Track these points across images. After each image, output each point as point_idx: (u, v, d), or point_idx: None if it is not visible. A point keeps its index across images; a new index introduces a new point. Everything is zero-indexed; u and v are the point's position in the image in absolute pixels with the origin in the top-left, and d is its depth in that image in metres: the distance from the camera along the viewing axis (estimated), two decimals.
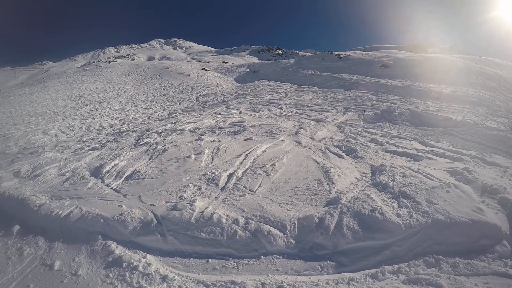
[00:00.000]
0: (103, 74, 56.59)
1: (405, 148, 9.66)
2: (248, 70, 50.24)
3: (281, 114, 17.73)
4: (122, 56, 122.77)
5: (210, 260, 5.36)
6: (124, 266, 5.26)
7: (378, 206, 5.68)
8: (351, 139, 11.09)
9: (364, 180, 7.35)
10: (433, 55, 42.89)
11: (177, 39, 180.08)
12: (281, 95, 25.95)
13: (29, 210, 7.41)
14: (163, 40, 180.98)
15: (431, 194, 5.96)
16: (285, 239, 5.40)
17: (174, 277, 4.92)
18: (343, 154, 9.38)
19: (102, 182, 8.75)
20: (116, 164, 9.90)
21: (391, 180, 6.76)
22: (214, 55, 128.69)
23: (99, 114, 25.21)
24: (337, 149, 9.95)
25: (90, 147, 13.33)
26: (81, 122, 22.00)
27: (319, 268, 4.88)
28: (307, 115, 16.76)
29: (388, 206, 5.77)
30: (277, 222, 5.71)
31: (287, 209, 6.08)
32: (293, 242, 5.37)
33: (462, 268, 4.50)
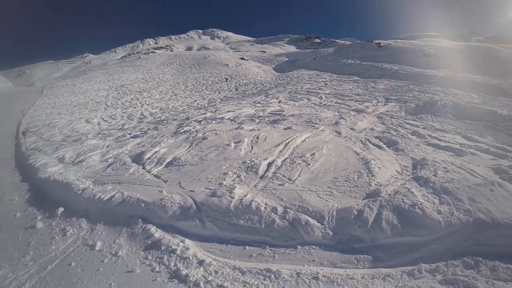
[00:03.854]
0: (142, 65, 58.02)
1: (448, 142, 9.37)
2: (286, 59, 49.90)
3: (320, 103, 17.62)
4: (161, 47, 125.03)
5: (247, 247, 5.43)
6: (162, 249, 5.42)
7: (418, 201, 5.55)
8: (392, 130, 10.87)
9: (405, 173, 7.20)
10: (477, 44, 40.86)
11: (214, 29, 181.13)
12: (320, 85, 25.72)
13: (73, 193, 7.77)
14: (200, 31, 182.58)
15: (474, 191, 5.73)
16: (322, 230, 5.39)
17: (211, 262, 5.01)
18: (384, 146, 9.23)
19: (143, 168, 9.04)
20: (157, 151, 10.18)
21: (433, 175, 6.58)
22: (252, 45, 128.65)
23: (140, 103, 25.91)
24: (378, 140, 9.79)
25: (132, 135, 13.77)
26: (123, 111, 22.70)
27: (355, 262, 4.83)
28: (347, 105, 16.56)
29: (429, 202, 5.62)
30: (316, 212, 5.70)
31: (326, 200, 6.06)
32: (331, 233, 5.34)
33: (501, 273, 4.30)
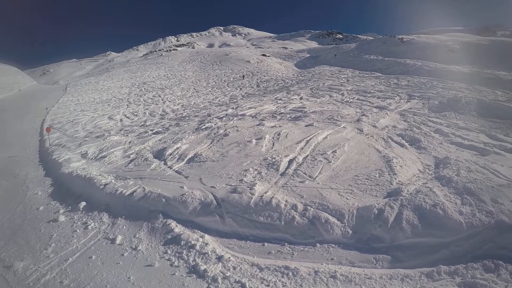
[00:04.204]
0: (164, 62, 58.59)
1: (472, 140, 9.17)
2: (308, 55, 49.56)
3: (342, 100, 17.47)
4: (182, 45, 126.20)
5: (266, 244, 5.47)
6: (182, 244, 5.52)
7: (440, 201, 5.46)
8: (414, 128, 10.70)
9: (427, 172, 7.10)
10: (502, 38, 39.53)
11: (235, 26, 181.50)
12: (342, 81, 25.50)
13: (95, 188, 7.97)
14: (222, 28, 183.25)
15: (497, 192, 5.59)
16: (342, 229, 5.37)
17: (229, 258, 5.07)
18: (406, 144, 9.10)
19: (165, 164, 9.18)
20: (178, 147, 10.30)
21: (456, 175, 6.45)
22: (273, 41, 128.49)
23: (162, 100, 26.18)
24: (400, 138, 9.66)
25: (154, 131, 13.97)
26: (145, 108, 23.00)
27: (374, 261, 4.80)
28: (369, 101, 16.36)
29: (451, 202, 5.51)
30: (336, 210, 5.68)
31: (347, 198, 6.04)
32: (350, 232, 5.33)
33: None
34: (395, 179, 6.62)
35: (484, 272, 4.30)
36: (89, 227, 6.45)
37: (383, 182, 6.55)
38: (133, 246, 5.63)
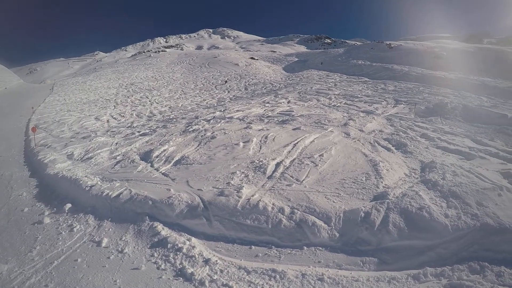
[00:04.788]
0: (153, 63, 58.33)
1: (457, 145, 9.30)
2: (296, 59, 49.88)
3: (330, 104, 17.60)
4: (171, 46, 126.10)
5: (253, 247, 5.45)
6: (169, 247, 5.46)
7: (426, 204, 5.52)
8: (401, 132, 10.82)
9: (413, 176, 7.17)
10: (489, 46, 40.39)
11: (225, 28, 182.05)
12: (330, 85, 25.70)
13: (81, 190, 7.85)
14: (211, 30, 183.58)
15: (482, 196, 5.68)
16: (329, 232, 5.38)
17: (216, 261, 5.04)
18: (393, 148, 9.19)
19: (152, 166, 9.10)
20: (165, 150, 10.24)
21: (441, 178, 6.53)
22: (262, 44, 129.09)
23: (149, 101, 26.06)
24: (387, 142, 9.75)
25: (141, 133, 13.86)
26: (132, 109, 22.85)
27: (361, 264, 4.82)
28: (357, 106, 16.52)
29: (437, 205, 5.58)
30: (323, 213, 5.69)
31: (333, 201, 6.05)
32: (337, 235, 5.34)
33: (507, 278, 4.26)
34: (382, 182, 6.67)
35: (470, 274, 4.36)
36: (75, 229, 6.34)
37: (370, 186, 6.58)
38: (119, 249, 5.55)
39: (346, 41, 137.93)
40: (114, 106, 25.11)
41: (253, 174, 7.62)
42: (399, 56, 34.57)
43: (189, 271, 4.75)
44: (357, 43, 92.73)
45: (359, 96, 19.82)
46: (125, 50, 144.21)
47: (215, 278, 4.62)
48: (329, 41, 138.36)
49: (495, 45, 48.22)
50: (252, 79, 34.70)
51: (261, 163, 8.14)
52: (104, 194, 7.33)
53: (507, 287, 4.13)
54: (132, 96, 29.81)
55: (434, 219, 5.13)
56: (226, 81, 34.91)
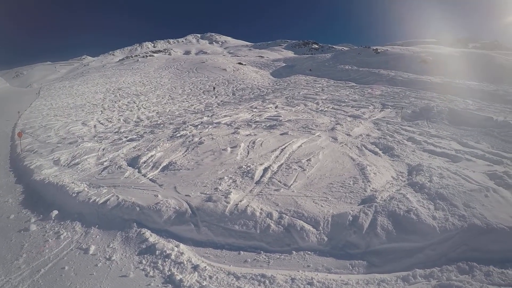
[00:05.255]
0: (140, 68, 58.08)
1: (444, 148, 9.39)
2: (284, 64, 50.10)
3: (317, 109, 17.69)
4: (159, 51, 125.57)
5: (242, 252, 5.42)
6: (157, 253, 5.41)
7: (413, 207, 5.57)
8: (388, 136, 10.89)
9: (401, 179, 7.22)
10: (473, 50, 41.18)
11: (213, 33, 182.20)
12: (317, 90, 25.84)
13: (68, 196, 7.74)
14: (199, 35, 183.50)
15: (469, 197, 5.75)
16: (317, 236, 5.39)
17: (205, 267, 5.00)
18: (380, 152, 9.25)
19: (139, 172, 9.02)
20: (152, 155, 10.16)
21: (428, 181, 6.60)
22: (250, 50, 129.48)
23: (137, 106, 25.91)
24: (374, 146, 9.81)
25: (128, 138, 13.75)
26: (119, 114, 22.68)
27: (350, 267, 4.83)
28: (344, 110, 16.63)
29: (424, 207, 5.63)
30: (311, 218, 5.70)
31: (322, 206, 6.06)
32: (326, 239, 5.34)
33: (495, 278, 4.31)
34: (369, 186, 6.70)
35: (459, 274, 4.41)
36: (62, 236, 6.24)
37: (358, 190, 6.61)
38: (107, 256, 5.48)
39: (334, 46, 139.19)
40: (101, 111, 24.90)
41: (241, 179, 7.60)
42: (385, 61, 34.97)
43: (178, 277, 4.71)
44: (344, 48, 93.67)
45: (346, 100, 19.97)
46: (113, 55, 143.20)
47: (204, 284, 4.58)
48: (316, 46, 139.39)
49: (480, 49, 49.20)
50: (240, 84, 34.77)
51: (249, 168, 8.13)
52: (91, 200, 7.24)
53: (496, 286, 4.18)
54: (119, 101, 29.59)
55: (422, 221, 5.17)
56: (214, 88, 34.72)
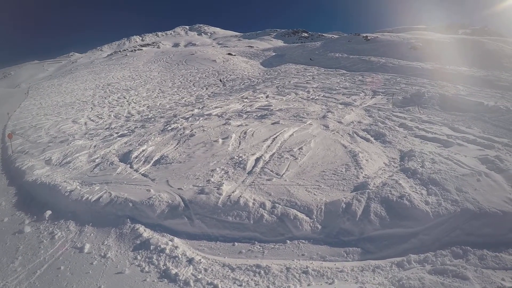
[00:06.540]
0: (129, 63, 57.49)
1: (435, 133, 9.41)
2: (274, 53, 49.85)
3: (308, 97, 17.63)
4: (148, 44, 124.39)
5: (236, 243, 5.43)
6: (151, 248, 5.40)
7: (406, 192, 5.59)
8: (379, 123, 10.90)
9: (393, 165, 7.24)
10: (464, 36, 41.29)
11: (201, 25, 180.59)
12: (308, 79, 25.72)
13: (60, 195, 7.68)
14: (187, 27, 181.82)
15: (461, 182, 5.77)
16: (311, 224, 5.40)
17: (200, 260, 5.00)
18: (371, 139, 9.26)
19: (131, 167, 8.96)
20: (144, 150, 10.11)
21: (420, 166, 6.62)
22: (239, 40, 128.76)
23: (127, 101, 25.69)
24: (365, 133, 9.83)
25: (119, 134, 13.66)
26: (110, 110, 22.48)
27: (345, 255, 4.86)
28: (335, 98, 16.59)
29: (417, 193, 5.65)
30: (304, 206, 5.70)
31: (314, 194, 6.07)
32: (319, 227, 5.36)
33: (489, 261, 4.34)
34: (362, 173, 6.72)
35: (453, 258, 4.44)
36: (56, 236, 6.21)
37: (350, 177, 6.62)
38: (102, 254, 5.46)
39: (323, 34, 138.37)
40: (91, 108, 24.66)
41: (233, 170, 7.59)
42: (376, 48, 34.87)
43: (173, 271, 4.72)
44: (334, 36, 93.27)
45: (337, 88, 19.91)
46: (101, 50, 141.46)
47: (199, 277, 4.59)
48: (306, 35, 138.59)
49: (470, 36, 49.32)
50: (230, 75, 34.53)
51: (240, 159, 8.11)
52: (84, 198, 7.19)
53: (491, 269, 4.20)
54: (109, 96, 29.30)
55: (415, 206, 5.20)
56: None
